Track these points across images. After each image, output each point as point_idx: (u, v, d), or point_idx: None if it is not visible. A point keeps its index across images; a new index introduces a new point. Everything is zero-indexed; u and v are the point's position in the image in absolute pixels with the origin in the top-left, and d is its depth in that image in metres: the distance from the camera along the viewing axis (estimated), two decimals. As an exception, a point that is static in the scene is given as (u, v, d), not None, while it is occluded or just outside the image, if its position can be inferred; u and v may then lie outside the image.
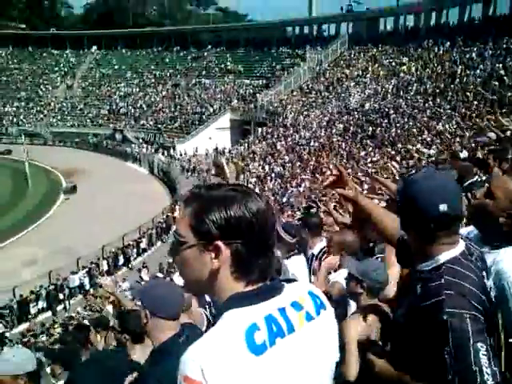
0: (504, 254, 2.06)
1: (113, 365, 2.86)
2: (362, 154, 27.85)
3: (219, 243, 1.19)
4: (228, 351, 1.08)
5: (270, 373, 1.12)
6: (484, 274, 1.77)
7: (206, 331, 1.20)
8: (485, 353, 1.50)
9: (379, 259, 3.78)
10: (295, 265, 4.35)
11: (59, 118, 63.14)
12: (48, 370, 5.08)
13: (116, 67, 69.26)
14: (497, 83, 26.85)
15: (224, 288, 1.23)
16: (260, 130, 42.37)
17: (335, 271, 4.19)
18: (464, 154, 7.85)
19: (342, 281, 3.56)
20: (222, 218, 1.18)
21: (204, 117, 50.31)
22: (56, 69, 72.76)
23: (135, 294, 2.46)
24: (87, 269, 23.52)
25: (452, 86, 30.94)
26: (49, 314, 21.21)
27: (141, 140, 52.27)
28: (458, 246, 1.74)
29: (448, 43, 37.58)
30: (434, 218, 1.68)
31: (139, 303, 2.47)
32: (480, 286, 1.66)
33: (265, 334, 1.14)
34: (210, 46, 62.61)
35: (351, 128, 33.22)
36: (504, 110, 19.37)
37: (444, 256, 1.70)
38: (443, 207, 1.66)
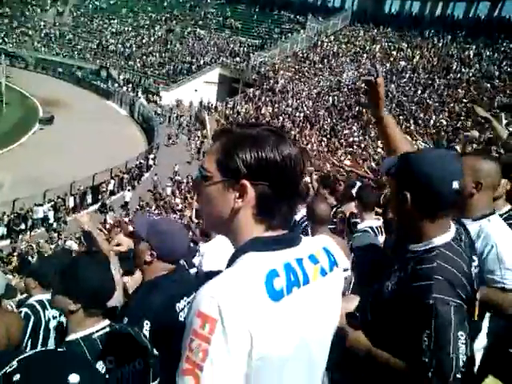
0: (488, 221, 2.31)
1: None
2: (346, 132, 27.82)
3: (246, 182, 1.16)
4: (248, 293, 1.07)
5: (283, 320, 1.11)
6: (472, 258, 1.85)
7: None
8: (463, 341, 1.56)
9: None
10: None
11: (44, 43, 60.98)
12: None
13: (111, 2, 66.78)
14: (489, 85, 26.93)
15: (243, 229, 1.20)
16: (248, 90, 41.79)
17: None
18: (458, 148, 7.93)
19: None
20: (252, 157, 1.15)
21: (193, 68, 49.25)
22: (47, -10, 69.69)
23: (142, 232, 2.39)
24: (53, 203, 23.21)
25: (444, 80, 30.93)
26: (7, 242, 20.93)
27: (125, 80, 51.09)
28: (450, 231, 1.79)
29: (449, 37, 37.37)
30: (447, 195, 1.72)
31: (145, 243, 2.37)
32: (466, 273, 1.72)
33: (283, 281, 1.13)
34: (211, -4, 60.82)
35: (339, 104, 33.07)
36: (492, 113, 19.48)
37: (438, 240, 1.75)
38: (456, 184, 1.72)
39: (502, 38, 33.45)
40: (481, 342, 2.33)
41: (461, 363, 1.56)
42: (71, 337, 2.11)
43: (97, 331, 2.12)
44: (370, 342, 1.87)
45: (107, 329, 2.15)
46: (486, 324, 2.38)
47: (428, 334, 1.57)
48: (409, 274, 1.73)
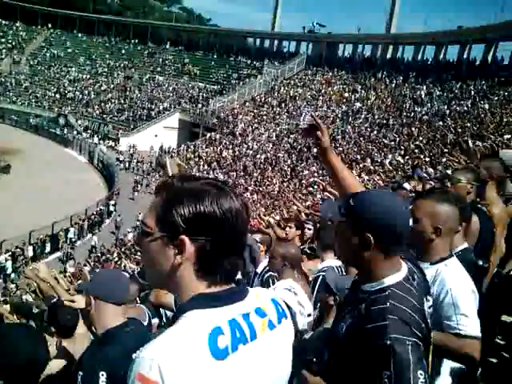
0: (445, 266, 2.32)
1: None
2: (306, 172, 28.21)
3: (184, 238, 1.12)
4: (189, 353, 1.03)
5: (227, 379, 1.07)
6: (424, 299, 1.81)
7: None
8: (423, 380, 1.52)
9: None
10: None
11: (1, 92, 60.24)
12: None
13: (69, 50, 66.76)
14: (441, 123, 27.91)
15: (185, 286, 1.16)
16: (209, 134, 42.15)
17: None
18: (408, 186, 8.11)
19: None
20: (190, 212, 1.12)
21: (153, 113, 49.54)
22: (3, 40, 69.01)
23: (82, 287, 2.39)
24: (10, 252, 22.52)
25: (399, 119, 31.97)
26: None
27: (84, 128, 50.75)
28: (402, 270, 1.76)
29: (401, 78, 38.88)
30: (406, 232, 1.71)
31: (84, 291, 2.37)
32: (420, 311, 1.69)
33: (228, 339, 1.10)
34: (168, 44, 61.84)
35: (298, 146, 33.65)
36: (445, 150, 20.10)
37: (390, 279, 1.71)
38: (411, 222, 1.72)
39: (449, 79, 35.07)
40: (445, 382, 2.32)
41: None
42: None
43: None
44: None
45: None
46: (448, 365, 2.34)
47: (388, 376, 1.53)
48: (362, 314, 1.70)
